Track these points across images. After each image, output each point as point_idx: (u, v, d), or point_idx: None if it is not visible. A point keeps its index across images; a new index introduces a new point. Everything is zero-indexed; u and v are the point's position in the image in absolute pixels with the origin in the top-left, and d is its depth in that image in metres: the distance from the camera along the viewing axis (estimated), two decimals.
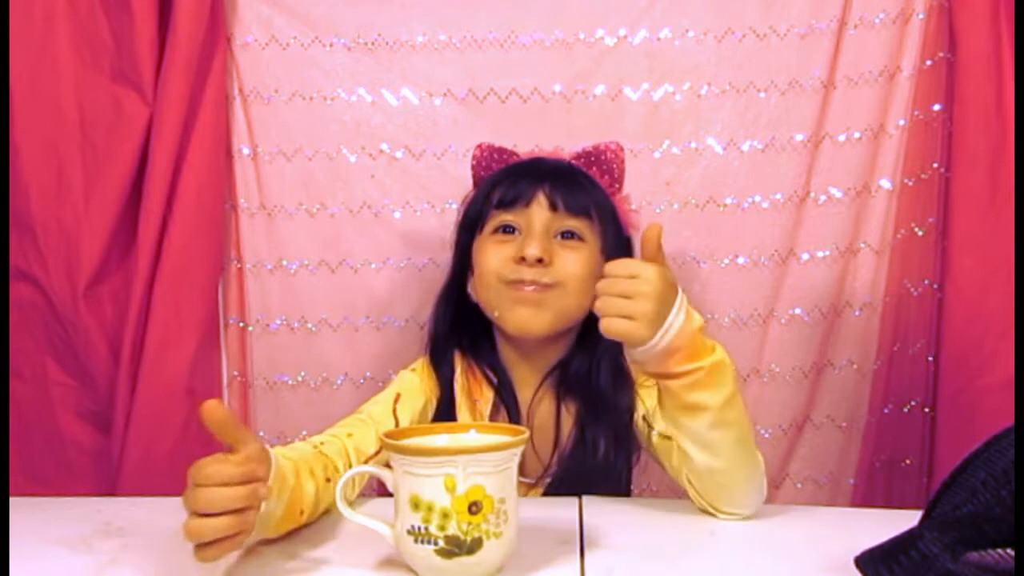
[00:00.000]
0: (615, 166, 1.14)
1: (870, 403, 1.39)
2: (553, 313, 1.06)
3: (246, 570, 0.80)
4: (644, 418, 1.06)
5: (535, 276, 1.04)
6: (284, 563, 0.82)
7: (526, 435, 0.76)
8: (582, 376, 1.09)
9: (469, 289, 1.13)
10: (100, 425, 1.33)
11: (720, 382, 0.88)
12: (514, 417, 1.09)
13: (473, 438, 0.81)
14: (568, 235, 1.07)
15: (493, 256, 1.07)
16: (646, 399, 1.06)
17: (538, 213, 1.07)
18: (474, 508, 0.71)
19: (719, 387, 0.88)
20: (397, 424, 1.03)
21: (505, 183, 1.10)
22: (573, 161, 1.14)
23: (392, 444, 0.74)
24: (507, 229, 1.08)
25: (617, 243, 1.10)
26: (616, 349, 1.06)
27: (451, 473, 0.71)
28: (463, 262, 1.13)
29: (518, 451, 0.75)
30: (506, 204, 1.08)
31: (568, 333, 1.11)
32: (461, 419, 1.08)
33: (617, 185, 1.15)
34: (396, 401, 1.06)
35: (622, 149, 1.15)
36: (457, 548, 0.72)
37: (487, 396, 1.10)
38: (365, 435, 1.00)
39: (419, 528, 0.72)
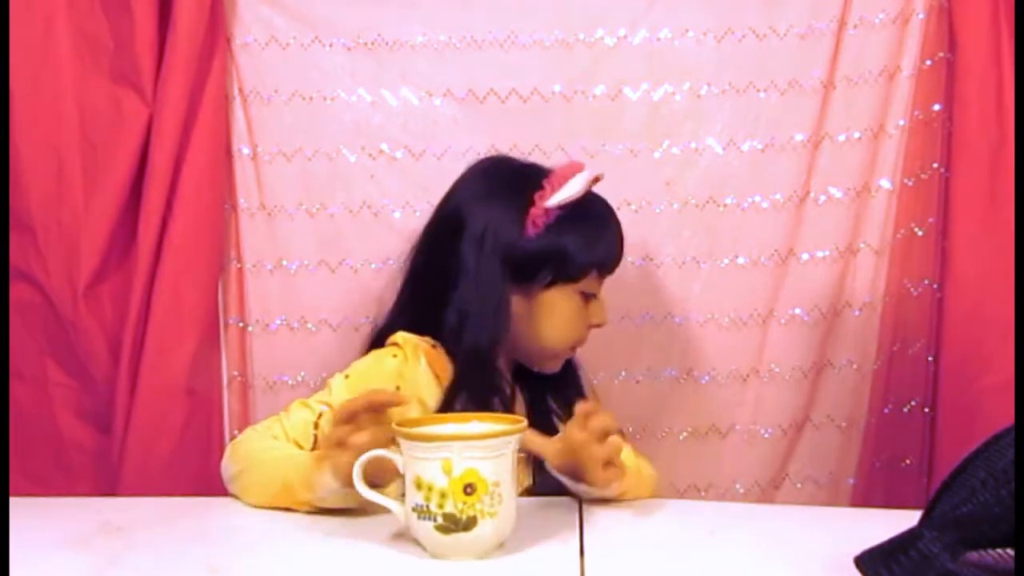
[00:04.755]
0: None
1: (870, 403, 1.38)
2: None
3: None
4: None
5: None
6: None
7: (523, 424, 0.83)
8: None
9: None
10: (100, 425, 1.33)
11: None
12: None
13: (472, 427, 0.87)
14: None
15: (579, 322, 1.12)
16: None
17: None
18: (469, 489, 0.78)
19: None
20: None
21: (608, 243, 1.12)
22: None
23: (398, 431, 0.81)
24: (590, 295, 1.12)
25: None
26: None
27: (447, 457, 0.78)
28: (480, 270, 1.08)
29: (512, 439, 0.81)
30: (607, 269, 1.13)
31: None
32: (426, 394, 1.07)
33: None
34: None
35: None
36: (454, 525, 0.78)
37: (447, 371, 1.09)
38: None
39: (421, 506, 0.79)
